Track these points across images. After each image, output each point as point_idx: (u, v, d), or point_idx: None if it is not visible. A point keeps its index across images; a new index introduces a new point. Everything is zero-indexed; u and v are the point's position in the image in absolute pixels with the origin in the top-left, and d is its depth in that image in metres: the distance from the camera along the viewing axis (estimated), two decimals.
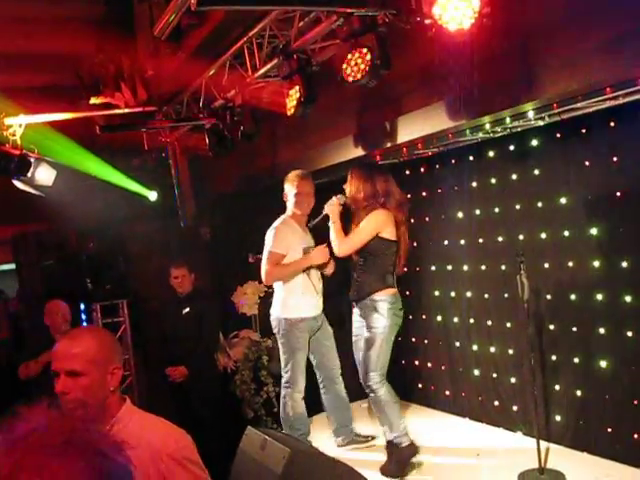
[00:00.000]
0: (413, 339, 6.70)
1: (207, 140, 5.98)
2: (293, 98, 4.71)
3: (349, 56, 3.99)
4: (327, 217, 5.18)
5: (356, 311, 5.29)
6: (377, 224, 4.95)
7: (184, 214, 7.35)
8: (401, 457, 4.99)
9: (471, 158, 5.89)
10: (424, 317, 6.55)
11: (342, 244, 5.02)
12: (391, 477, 4.89)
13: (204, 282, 6.80)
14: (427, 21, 3.40)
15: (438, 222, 6.33)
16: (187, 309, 6.28)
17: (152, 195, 7.17)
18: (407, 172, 6.58)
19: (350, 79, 4.05)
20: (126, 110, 6.13)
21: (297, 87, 4.64)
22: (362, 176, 5.07)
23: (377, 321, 4.95)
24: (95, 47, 6.73)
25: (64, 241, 7.03)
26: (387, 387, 4.97)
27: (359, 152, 5.64)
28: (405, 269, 5.20)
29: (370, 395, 5.06)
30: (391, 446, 5.04)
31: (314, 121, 5.39)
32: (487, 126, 4.90)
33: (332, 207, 5.13)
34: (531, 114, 4.53)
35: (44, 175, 6.06)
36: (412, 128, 5.08)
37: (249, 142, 5.62)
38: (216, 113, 5.70)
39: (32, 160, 5.92)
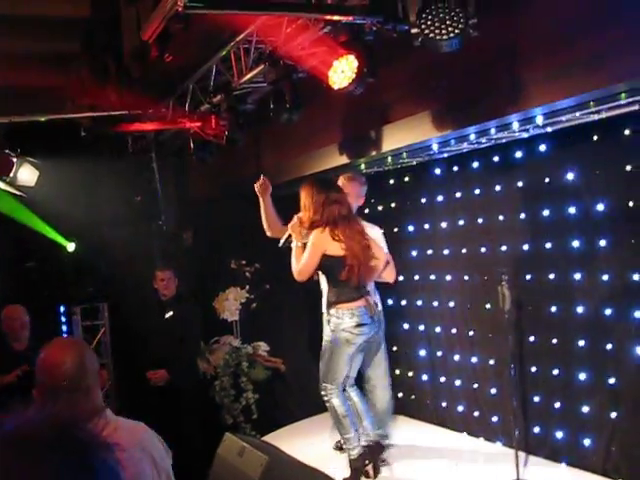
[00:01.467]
0: (395, 348, 6.62)
1: (192, 145, 5.99)
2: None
3: (336, 63, 4.00)
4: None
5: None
6: (318, 245, 4.78)
7: (167, 218, 7.33)
8: (353, 466, 4.97)
9: (455, 168, 5.89)
10: (406, 326, 6.54)
11: (296, 269, 4.90)
12: None
13: (186, 287, 6.75)
14: (413, 30, 3.39)
15: (421, 232, 6.32)
16: (170, 313, 6.25)
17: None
18: (391, 181, 6.57)
19: (336, 86, 4.07)
20: (111, 112, 6.07)
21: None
22: (308, 194, 4.88)
23: (327, 335, 4.96)
24: (81, 48, 6.72)
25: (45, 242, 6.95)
26: (340, 400, 4.91)
27: (344, 160, 5.69)
28: (366, 280, 5.00)
29: (326, 404, 5.03)
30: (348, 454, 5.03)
31: (299, 128, 5.37)
32: (472, 137, 4.94)
33: (294, 227, 4.97)
34: (516, 126, 4.56)
35: (27, 176, 6.05)
36: (397, 137, 5.12)
37: (234, 147, 5.65)
38: (201, 118, 5.69)
39: (14, 160, 5.91)
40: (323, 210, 4.81)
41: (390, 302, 6.38)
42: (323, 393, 4.94)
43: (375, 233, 5.26)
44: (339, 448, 5.57)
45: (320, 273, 5.13)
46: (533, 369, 5.23)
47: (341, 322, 4.82)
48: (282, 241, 5.10)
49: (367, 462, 4.99)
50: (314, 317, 5.87)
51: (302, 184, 5.00)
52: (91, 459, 0.98)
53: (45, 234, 6.80)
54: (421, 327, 6.41)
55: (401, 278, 6.35)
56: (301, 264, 4.85)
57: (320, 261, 4.82)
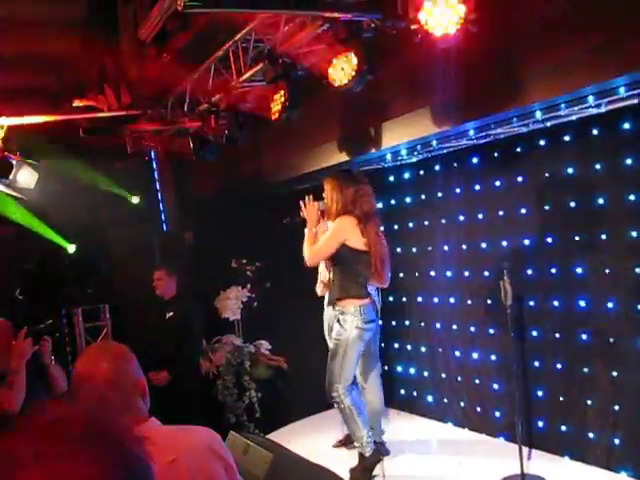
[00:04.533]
0: (396, 345, 6.70)
1: (191, 144, 5.97)
2: (278, 103, 4.71)
3: (335, 61, 3.99)
4: (304, 221, 5.12)
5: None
6: (341, 231, 4.85)
7: (167, 218, 7.32)
8: (366, 465, 4.99)
9: (455, 164, 5.89)
10: (407, 323, 6.54)
11: (309, 253, 4.98)
12: None
13: (187, 286, 6.73)
14: (413, 27, 3.39)
15: (421, 228, 6.31)
16: (170, 313, 6.25)
17: (134, 199, 7.14)
18: (391, 178, 6.59)
19: (336, 84, 4.07)
20: (109, 113, 6.04)
21: (282, 92, 4.64)
22: (335, 186, 4.98)
23: (339, 333, 4.92)
24: (78, 49, 6.69)
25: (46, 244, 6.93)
26: (351, 399, 4.92)
27: (343, 157, 5.68)
28: (387, 281, 5.11)
29: (334, 405, 5.06)
30: (358, 453, 5.05)
31: (298, 126, 5.34)
32: (471, 132, 4.95)
33: (310, 212, 5.05)
34: (515, 121, 4.56)
35: (26, 178, 6.04)
36: (396, 134, 5.13)
37: (233, 146, 5.65)
38: (201, 117, 5.68)
39: (14, 162, 5.89)
40: (356, 203, 4.86)
41: (391, 299, 6.41)
42: (334, 394, 4.91)
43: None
44: (341, 445, 5.62)
45: (329, 264, 5.13)
46: (536, 364, 5.23)
47: (353, 319, 4.83)
48: (290, 220, 5.21)
49: (381, 459, 5.02)
50: (315, 315, 5.86)
51: (327, 176, 5.06)
52: (121, 454, 0.97)
53: (45, 236, 6.78)
54: (422, 324, 6.41)
55: (401, 275, 6.45)
56: (318, 246, 4.91)
57: (337, 250, 4.84)
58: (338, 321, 4.92)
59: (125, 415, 2.01)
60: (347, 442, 5.68)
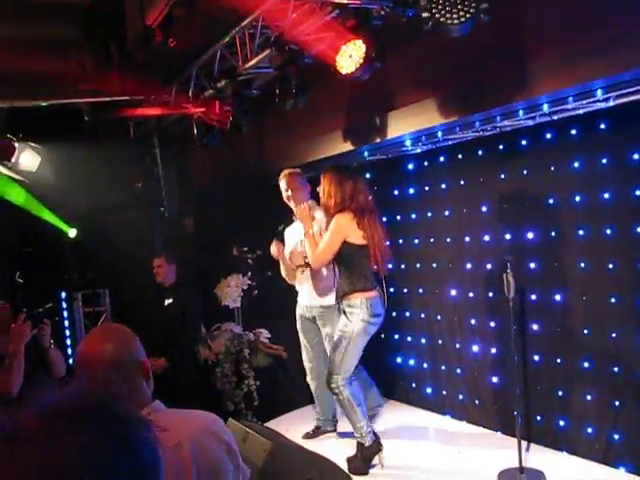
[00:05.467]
0: (396, 336, 6.70)
1: (195, 130, 5.95)
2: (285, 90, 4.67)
3: (343, 48, 3.96)
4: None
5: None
6: (341, 229, 4.85)
7: (169, 205, 7.31)
8: (365, 455, 5.01)
9: (460, 156, 5.86)
10: (407, 314, 6.54)
11: (313, 257, 5.00)
12: (356, 473, 4.87)
13: (187, 274, 6.77)
14: (424, 14, 3.35)
15: (425, 219, 6.28)
16: (169, 300, 6.28)
17: (136, 184, 7.12)
18: (395, 168, 6.54)
19: (344, 71, 4.04)
20: (114, 98, 6.02)
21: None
22: (333, 181, 4.94)
23: (344, 325, 4.92)
24: (82, 34, 6.67)
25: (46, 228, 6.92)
26: (350, 390, 4.93)
27: (348, 147, 5.68)
28: (386, 271, 5.10)
29: (333, 396, 5.08)
30: (357, 443, 5.06)
31: (304, 114, 5.36)
32: (477, 124, 4.92)
33: (302, 215, 5.09)
34: (521, 113, 4.54)
35: (28, 161, 6.02)
36: (402, 124, 5.10)
37: (237, 133, 5.62)
38: (205, 103, 5.65)
39: (16, 145, 5.87)
40: (353, 197, 4.86)
41: (392, 290, 6.34)
42: (333, 385, 4.93)
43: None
44: (310, 437, 5.79)
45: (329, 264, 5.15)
46: (536, 358, 5.22)
47: (359, 312, 4.83)
48: (281, 227, 5.32)
49: (380, 449, 5.03)
50: None
51: (325, 170, 5.04)
52: (128, 431, 0.97)
53: (46, 220, 6.76)
54: (422, 315, 6.41)
55: (403, 266, 6.46)
56: (321, 249, 4.93)
57: (339, 249, 4.87)
58: (344, 313, 4.92)
59: (130, 397, 2.00)
60: (316, 434, 5.84)
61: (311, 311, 5.59)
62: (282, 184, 5.50)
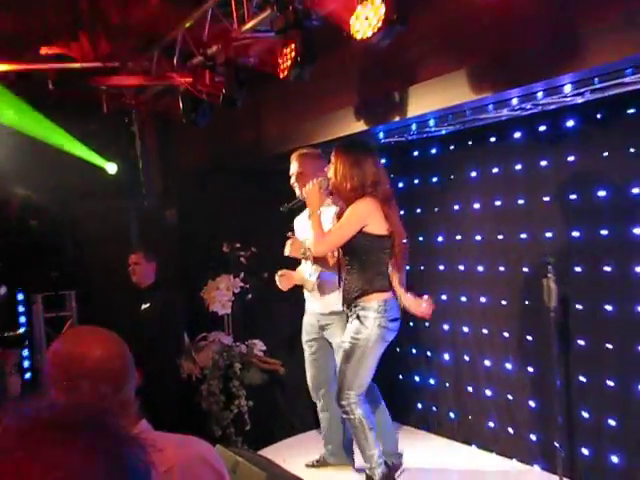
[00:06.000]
0: (413, 350, 6.70)
1: (181, 105, 5.92)
2: (288, 58, 4.65)
3: (359, 9, 3.94)
4: (304, 205, 5.19)
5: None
6: (361, 216, 4.83)
7: (148, 192, 7.34)
8: None
9: (493, 139, 5.83)
10: (427, 325, 6.48)
11: (320, 241, 4.95)
12: None
13: (168, 273, 6.81)
14: None
15: (450, 213, 6.27)
16: (147, 304, 6.27)
17: (111, 167, 7.11)
18: (415, 153, 6.54)
19: (359, 36, 4.01)
20: (84, 64, 5.99)
21: (293, 45, 4.58)
22: (348, 160, 4.91)
23: (356, 332, 4.89)
24: None
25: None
26: (363, 410, 4.93)
27: (361, 126, 5.65)
28: (406, 267, 5.15)
29: (343, 415, 5.06)
30: (366, 476, 5.05)
31: (309, 88, 5.36)
32: (514, 101, 4.88)
33: (311, 193, 5.04)
34: (568, 89, 4.49)
35: None
36: (425, 101, 5.09)
37: (231, 109, 5.58)
38: (193, 72, 5.64)
39: None
40: (377, 183, 4.87)
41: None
42: (344, 403, 4.92)
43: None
44: (316, 465, 5.79)
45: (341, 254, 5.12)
46: (582, 379, 5.17)
47: (375, 316, 4.82)
48: (289, 205, 5.25)
49: None
50: None
51: (337, 148, 5.02)
52: (120, 447, 0.99)
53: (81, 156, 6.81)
54: (445, 326, 6.40)
55: (422, 267, 6.49)
56: (333, 233, 4.92)
57: (352, 238, 4.83)
58: (358, 317, 4.89)
59: (121, 413, 2.04)
60: (322, 463, 5.82)
61: (320, 319, 5.59)
62: (293, 166, 5.49)
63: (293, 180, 5.49)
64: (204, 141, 7.32)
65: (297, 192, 5.40)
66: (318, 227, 4.97)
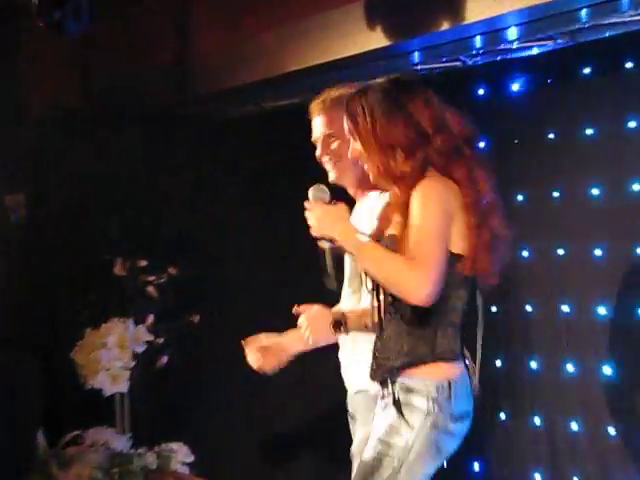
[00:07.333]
0: (476, 465, 6.59)
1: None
2: None
3: None
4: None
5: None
6: (447, 211, 4.11)
7: None
8: None
9: (630, 65, 5.61)
10: (503, 417, 6.44)
11: (415, 277, 4.11)
12: None
13: (6, 315, 6.70)
14: None
15: (547, 206, 6.11)
16: None
17: None
18: (480, 91, 6.46)
19: None
20: None
21: None
22: (391, 111, 4.11)
23: (394, 430, 4.26)
24: None
25: None
26: None
27: (380, 41, 5.63)
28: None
29: None
30: None
31: None
32: None
33: (324, 217, 4.33)
34: None
35: None
36: None
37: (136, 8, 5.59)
38: None
39: None
40: (451, 153, 4.11)
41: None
42: None
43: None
44: None
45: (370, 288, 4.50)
46: None
47: (431, 406, 4.16)
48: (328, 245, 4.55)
49: None
50: (305, 387, 6.11)
51: (363, 91, 4.27)
52: None
53: None
54: (536, 419, 6.22)
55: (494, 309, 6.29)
56: (424, 259, 4.09)
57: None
58: (397, 404, 4.23)
59: None
60: None
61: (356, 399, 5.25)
62: (317, 123, 4.93)
63: (319, 151, 4.88)
64: (79, 66, 7.27)
65: (330, 175, 4.85)
66: (390, 258, 4.17)
